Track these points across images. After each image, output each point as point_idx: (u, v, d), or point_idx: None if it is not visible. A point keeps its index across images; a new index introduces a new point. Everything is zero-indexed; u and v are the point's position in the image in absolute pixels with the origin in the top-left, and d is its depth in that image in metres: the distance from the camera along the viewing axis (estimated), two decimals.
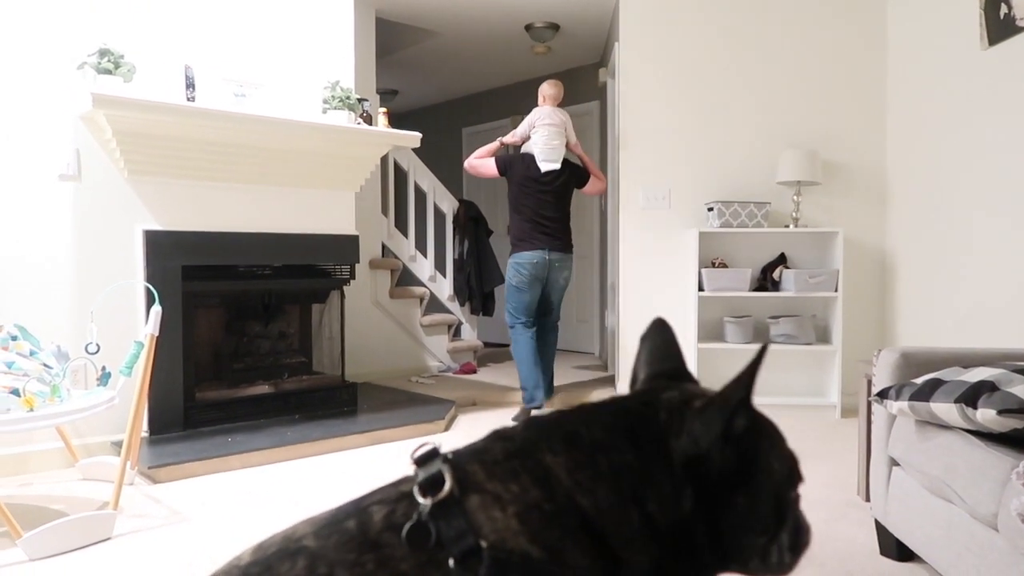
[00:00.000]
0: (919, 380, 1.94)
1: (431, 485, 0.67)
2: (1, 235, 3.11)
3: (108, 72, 3.14)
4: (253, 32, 3.79)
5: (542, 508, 0.67)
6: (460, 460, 0.71)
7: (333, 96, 3.91)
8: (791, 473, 0.76)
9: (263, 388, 3.97)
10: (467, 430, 3.99)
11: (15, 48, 3.12)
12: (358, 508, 0.70)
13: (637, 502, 0.69)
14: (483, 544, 0.64)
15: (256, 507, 2.76)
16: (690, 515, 0.70)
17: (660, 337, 0.88)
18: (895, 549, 2.21)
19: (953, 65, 3.76)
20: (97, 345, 2.79)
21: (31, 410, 2.37)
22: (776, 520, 0.74)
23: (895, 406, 1.97)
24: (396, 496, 0.70)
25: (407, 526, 0.65)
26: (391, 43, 6.01)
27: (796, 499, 0.77)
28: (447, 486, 0.67)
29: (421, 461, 0.71)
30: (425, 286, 5.81)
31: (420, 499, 0.67)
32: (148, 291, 3.25)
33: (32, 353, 2.59)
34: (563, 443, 0.72)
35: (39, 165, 3.20)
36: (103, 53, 3.15)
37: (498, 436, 0.75)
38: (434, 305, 5.87)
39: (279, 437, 3.48)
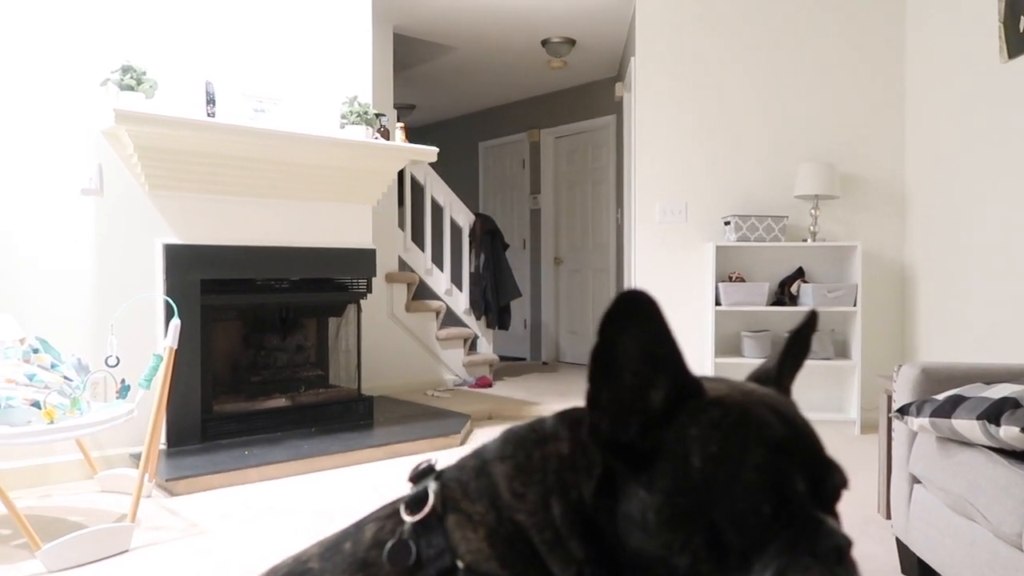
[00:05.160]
0: (940, 396, 1.92)
1: (416, 502, 0.68)
2: (25, 248, 3.15)
3: (130, 88, 3.19)
4: (272, 48, 3.84)
5: (499, 532, 0.64)
6: (447, 477, 0.71)
7: (351, 111, 3.94)
8: (752, 484, 0.59)
9: (280, 401, 3.98)
10: None
11: (40, 64, 3.18)
12: (357, 527, 0.71)
13: (562, 490, 0.63)
14: (459, 565, 0.63)
15: (273, 520, 2.76)
16: (594, 497, 0.62)
17: (804, 331, 0.75)
18: (916, 568, 2.18)
19: (972, 78, 3.73)
20: (117, 358, 2.82)
21: (51, 422, 2.39)
22: (688, 535, 0.58)
23: (916, 422, 1.94)
24: (386, 514, 0.71)
25: (389, 544, 0.66)
26: (408, 58, 6.06)
27: (769, 526, 0.58)
28: (429, 504, 0.67)
29: (416, 479, 0.71)
30: (441, 300, 5.82)
31: (405, 517, 0.67)
32: (167, 304, 3.27)
33: (53, 366, 2.61)
34: (515, 445, 0.69)
35: (62, 179, 3.24)
36: (125, 70, 3.20)
37: (475, 451, 0.74)
38: (450, 319, 5.87)
39: (296, 450, 3.48)
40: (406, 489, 0.71)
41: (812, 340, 0.76)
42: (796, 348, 0.75)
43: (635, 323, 0.59)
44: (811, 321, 0.74)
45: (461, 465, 0.72)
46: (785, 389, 0.73)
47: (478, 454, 0.72)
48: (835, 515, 0.63)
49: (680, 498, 0.59)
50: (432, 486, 0.68)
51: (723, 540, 0.58)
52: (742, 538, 0.58)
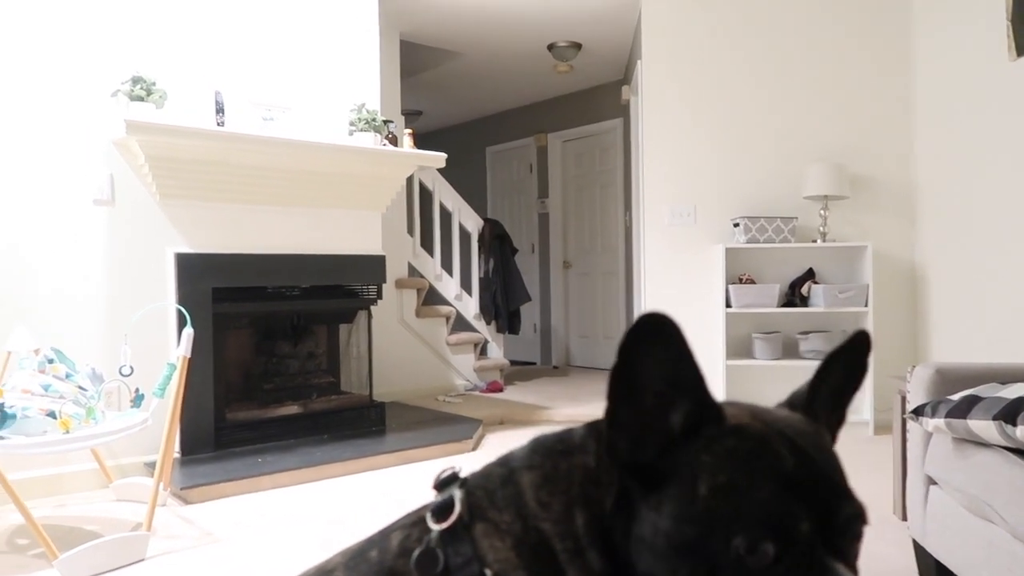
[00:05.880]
0: (955, 397, 1.91)
1: (442, 510, 0.67)
2: (38, 259, 3.18)
3: (141, 99, 3.21)
4: (280, 56, 3.86)
5: (526, 542, 0.64)
6: (472, 485, 0.70)
7: (359, 118, 3.96)
8: (754, 521, 0.56)
9: (292, 408, 3.99)
10: (495, 449, 3.97)
11: (51, 76, 3.20)
12: (383, 535, 0.71)
13: (586, 502, 0.64)
14: (488, 573, 0.63)
15: (287, 527, 2.77)
16: (611, 510, 0.63)
17: (849, 356, 0.71)
18: (933, 570, 2.16)
19: (981, 77, 3.72)
20: (131, 367, 2.83)
21: (67, 432, 2.41)
22: (693, 565, 0.57)
23: (931, 423, 1.93)
24: (412, 521, 0.70)
25: (416, 552, 0.66)
26: (415, 64, 6.08)
27: (772, 568, 0.56)
28: (456, 512, 0.67)
29: (440, 486, 0.71)
30: (451, 305, 5.83)
31: (432, 525, 0.67)
32: (180, 313, 3.29)
33: (68, 376, 2.63)
34: (543, 455, 0.69)
35: (74, 190, 3.27)
36: (136, 80, 3.22)
37: (502, 458, 0.73)
38: (460, 324, 5.88)
39: (308, 457, 3.49)
40: (419, 496, 0.72)
41: (868, 363, 0.71)
42: (839, 372, 0.71)
43: (656, 345, 0.59)
44: (856, 343, 0.70)
45: (486, 473, 0.72)
46: (816, 414, 0.70)
47: (505, 462, 0.71)
48: (851, 557, 0.61)
49: (686, 526, 0.58)
50: (458, 494, 0.68)
51: None
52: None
